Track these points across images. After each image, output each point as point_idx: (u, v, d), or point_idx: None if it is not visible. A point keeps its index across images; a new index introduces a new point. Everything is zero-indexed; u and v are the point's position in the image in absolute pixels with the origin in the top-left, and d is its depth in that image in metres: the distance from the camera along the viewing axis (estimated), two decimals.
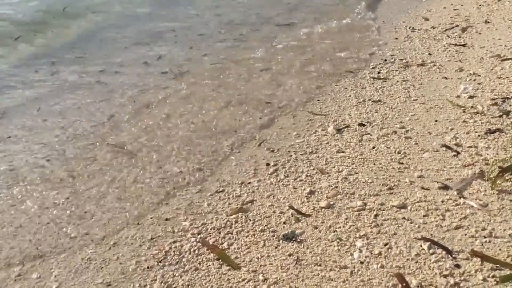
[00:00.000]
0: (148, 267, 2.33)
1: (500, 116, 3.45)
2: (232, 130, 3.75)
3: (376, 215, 2.53)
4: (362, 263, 2.21)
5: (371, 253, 2.26)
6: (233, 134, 3.68)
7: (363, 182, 2.85)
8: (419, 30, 5.94)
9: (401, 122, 3.59)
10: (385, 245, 2.30)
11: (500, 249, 2.21)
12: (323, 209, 2.64)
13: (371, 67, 4.85)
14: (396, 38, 5.73)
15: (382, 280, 2.09)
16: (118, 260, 2.41)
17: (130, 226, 2.68)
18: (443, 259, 2.17)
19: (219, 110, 4.11)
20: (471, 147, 3.10)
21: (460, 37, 5.48)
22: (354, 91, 4.28)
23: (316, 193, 2.80)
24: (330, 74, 4.78)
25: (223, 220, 2.63)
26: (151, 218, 2.74)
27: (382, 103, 3.97)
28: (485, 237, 2.30)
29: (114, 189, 3.05)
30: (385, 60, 4.99)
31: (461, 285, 2.03)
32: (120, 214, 2.79)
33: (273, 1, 7.89)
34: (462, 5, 6.76)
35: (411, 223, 2.45)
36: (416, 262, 2.18)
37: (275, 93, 4.39)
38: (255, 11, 7.35)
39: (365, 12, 6.98)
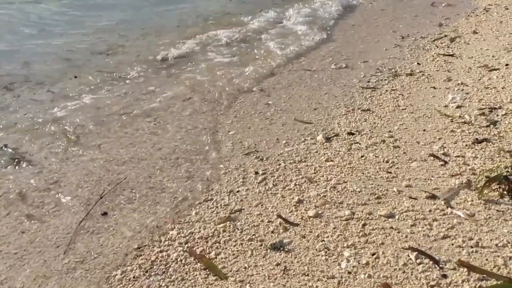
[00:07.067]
0: (134, 277, 2.30)
1: (487, 126, 3.48)
2: None
3: (364, 225, 2.53)
4: (349, 273, 2.20)
5: (359, 263, 2.25)
6: None
7: (351, 191, 2.85)
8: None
9: (389, 131, 3.60)
10: (373, 254, 2.30)
11: (487, 259, 2.22)
12: (311, 218, 2.63)
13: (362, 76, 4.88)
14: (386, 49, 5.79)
15: None
16: (103, 269, 2.38)
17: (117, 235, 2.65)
18: (430, 269, 2.17)
19: None
20: (458, 156, 3.12)
21: (448, 47, 5.54)
22: (344, 100, 4.30)
23: (305, 202, 2.79)
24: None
25: (210, 229, 2.61)
26: (138, 226, 2.70)
27: (371, 112, 3.99)
28: (472, 247, 2.30)
29: None
30: (378, 69, 5.02)
31: None
32: None
33: None
34: None
35: (398, 232, 2.45)
36: (404, 272, 2.18)
37: None
38: None
39: None
